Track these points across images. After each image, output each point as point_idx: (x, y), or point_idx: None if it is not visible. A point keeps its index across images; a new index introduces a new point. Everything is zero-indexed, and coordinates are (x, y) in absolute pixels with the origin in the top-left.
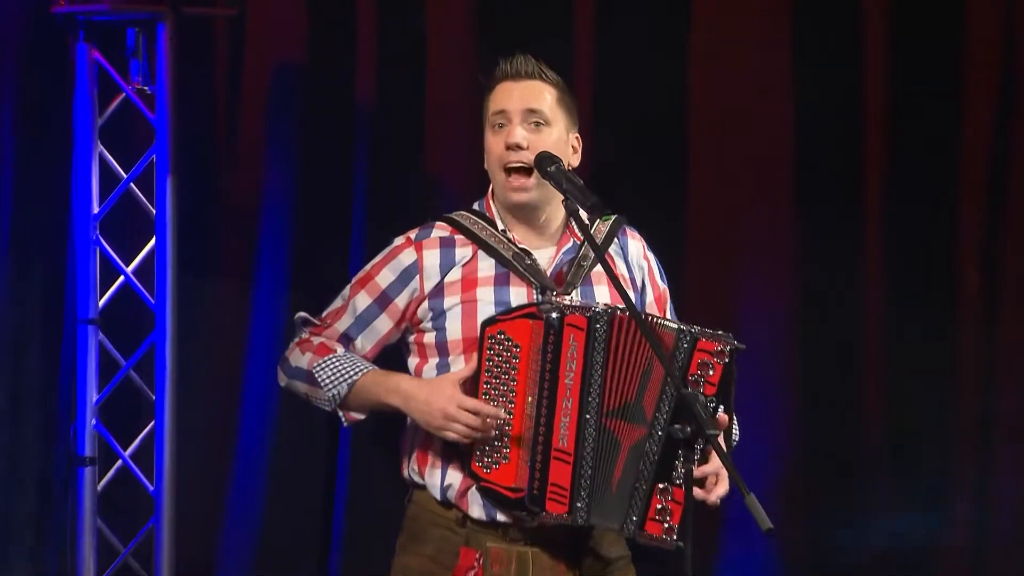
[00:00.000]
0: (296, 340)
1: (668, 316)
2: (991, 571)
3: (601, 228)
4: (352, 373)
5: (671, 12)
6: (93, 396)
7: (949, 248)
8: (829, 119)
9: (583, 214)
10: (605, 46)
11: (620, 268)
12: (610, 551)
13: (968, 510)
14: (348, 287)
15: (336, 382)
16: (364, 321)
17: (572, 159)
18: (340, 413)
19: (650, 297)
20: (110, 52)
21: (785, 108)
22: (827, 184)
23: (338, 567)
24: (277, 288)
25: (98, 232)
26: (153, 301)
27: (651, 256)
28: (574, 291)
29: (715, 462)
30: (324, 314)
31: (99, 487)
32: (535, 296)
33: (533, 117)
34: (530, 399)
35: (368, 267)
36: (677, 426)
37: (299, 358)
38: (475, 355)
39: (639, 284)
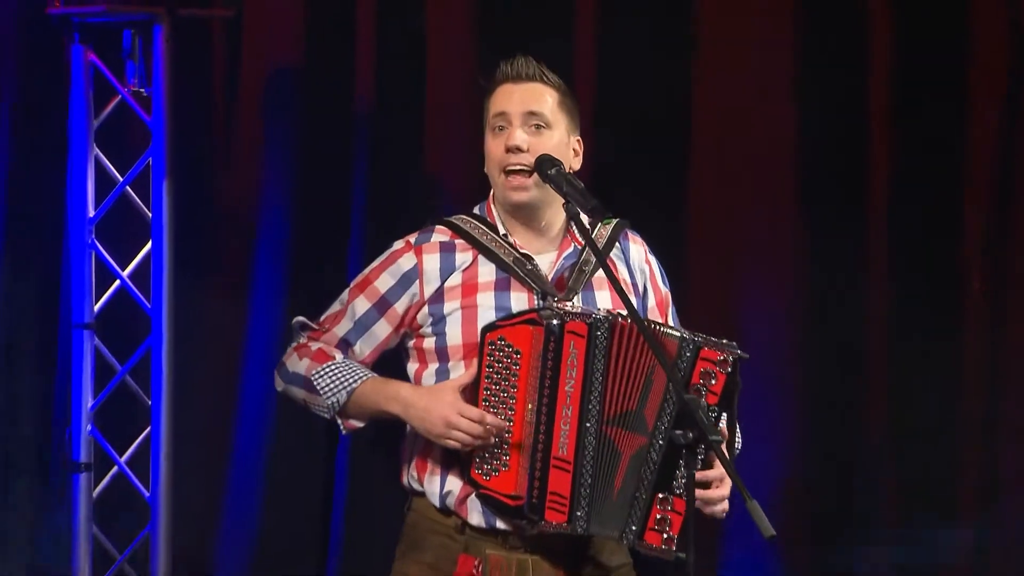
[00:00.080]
0: (294, 345)
1: (670, 320)
2: (994, 573)
3: (603, 232)
4: (351, 381)
5: (672, 12)
6: (88, 401)
7: (953, 249)
8: (832, 119)
9: (584, 218)
10: (606, 46)
11: (622, 273)
12: (611, 559)
13: (972, 512)
14: (347, 291)
15: (335, 390)
16: (363, 326)
17: (573, 162)
18: (339, 421)
19: (652, 301)
20: (106, 54)
21: (788, 108)
22: (830, 185)
23: (336, 574)
24: (275, 292)
25: (94, 235)
26: (149, 305)
27: (653, 260)
28: (575, 297)
29: (717, 468)
30: (322, 318)
31: (94, 493)
32: (536, 302)
33: (534, 120)
34: (530, 406)
35: (367, 271)
36: (679, 432)
37: (297, 364)
38: (475, 361)
39: (641, 288)
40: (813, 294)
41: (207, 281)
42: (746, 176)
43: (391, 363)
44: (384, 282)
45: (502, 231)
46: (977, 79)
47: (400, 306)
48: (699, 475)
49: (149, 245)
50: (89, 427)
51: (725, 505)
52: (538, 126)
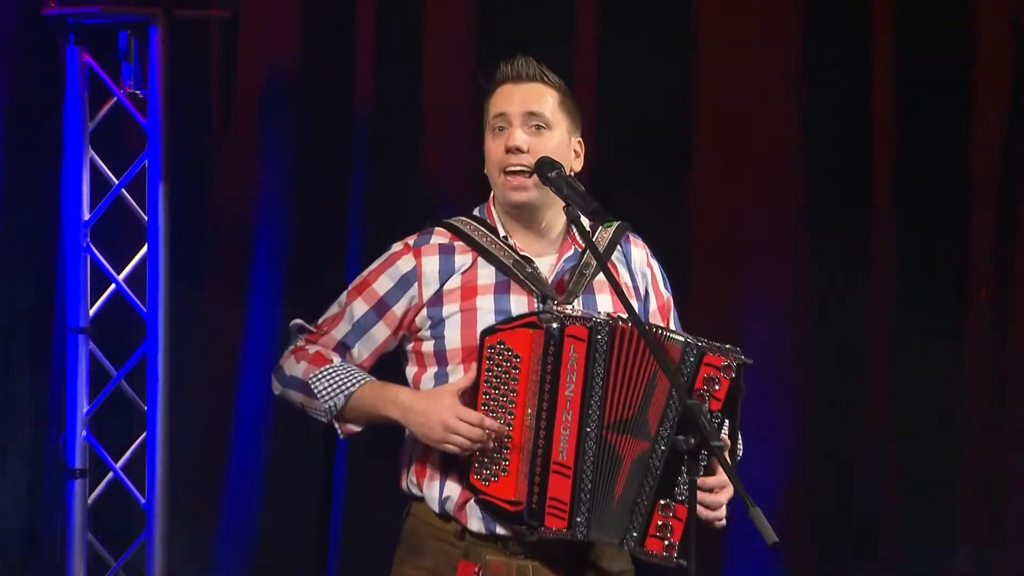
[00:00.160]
0: (291, 348)
1: (672, 325)
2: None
3: (604, 235)
4: (349, 384)
5: (673, 12)
6: (83, 406)
7: (956, 250)
8: (835, 120)
9: (585, 221)
10: (607, 45)
11: (623, 276)
12: (612, 565)
13: (976, 518)
14: (345, 293)
15: (332, 394)
16: (361, 328)
17: (574, 164)
18: (336, 425)
19: (654, 305)
20: (101, 55)
21: (789, 108)
22: (832, 185)
23: None
24: (272, 296)
25: (89, 239)
26: (145, 309)
27: (655, 263)
28: (576, 300)
29: (719, 475)
30: (320, 321)
31: (89, 500)
32: (536, 305)
33: (534, 120)
34: (530, 411)
35: (365, 273)
36: (681, 437)
37: (294, 367)
38: (474, 365)
39: (642, 292)
40: (815, 295)
41: (204, 285)
42: (748, 176)
43: (390, 367)
44: (383, 284)
45: (502, 233)
46: (980, 79)
47: (399, 309)
48: (700, 481)
49: (145, 248)
50: (84, 433)
51: (723, 513)
52: (538, 127)
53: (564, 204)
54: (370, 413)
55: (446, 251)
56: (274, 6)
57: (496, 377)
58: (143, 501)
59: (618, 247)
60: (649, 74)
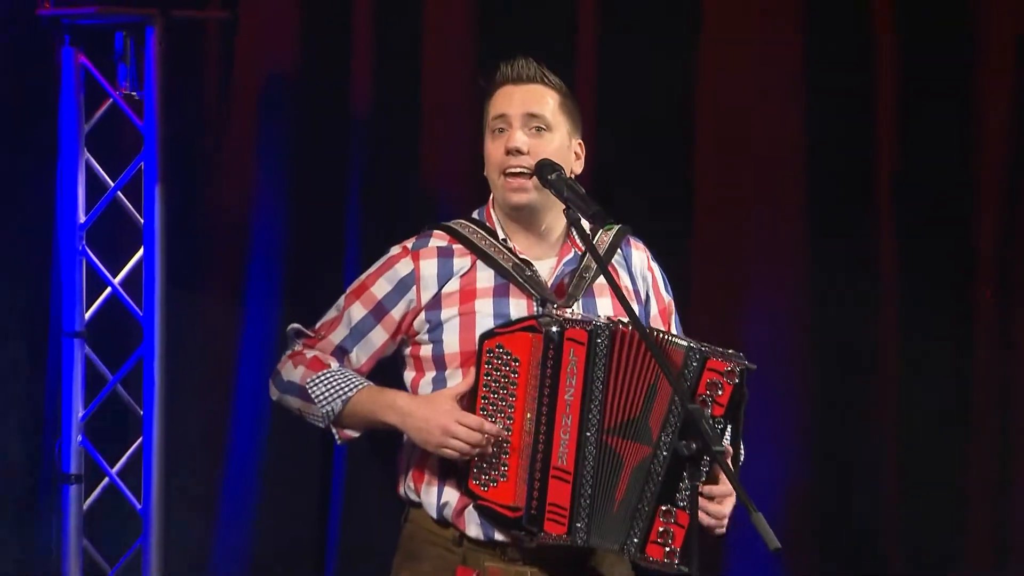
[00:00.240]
0: (288, 353)
1: (673, 329)
2: None
3: (604, 238)
4: (347, 389)
5: (674, 12)
6: (79, 411)
7: (961, 252)
8: (838, 121)
9: (585, 224)
10: (607, 45)
11: (624, 280)
12: (612, 571)
13: (985, 523)
14: (343, 297)
15: (330, 398)
16: (359, 333)
17: (575, 166)
18: (333, 430)
19: (654, 310)
20: (97, 56)
21: (792, 109)
22: (836, 187)
23: None
24: (269, 299)
25: (84, 242)
26: (141, 313)
27: (655, 267)
28: (575, 304)
29: (722, 482)
30: (318, 325)
31: (85, 505)
32: (535, 309)
33: (534, 122)
34: (529, 415)
35: (363, 277)
36: (682, 443)
37: (292, 372)
38: (473, 369)
39: (643, 296)
40: (817, 296)
41: (200, 288)
42: (749, 177)
43: (388, 372)
44: (381, 288)
45: (501, 236)
46: (982, 78)
47: (397, 312)
48: (703, 489)
49: (141, 252)
50: (79, 437)
51: (724, 523)
52: (539, 128)
53: (564, 207)
54: (368, 418)
55: (444, 254)
56: (272, 7)
57: (495, 381)
58: (139, 507)
59: (618, 250)
60: (650, 74)
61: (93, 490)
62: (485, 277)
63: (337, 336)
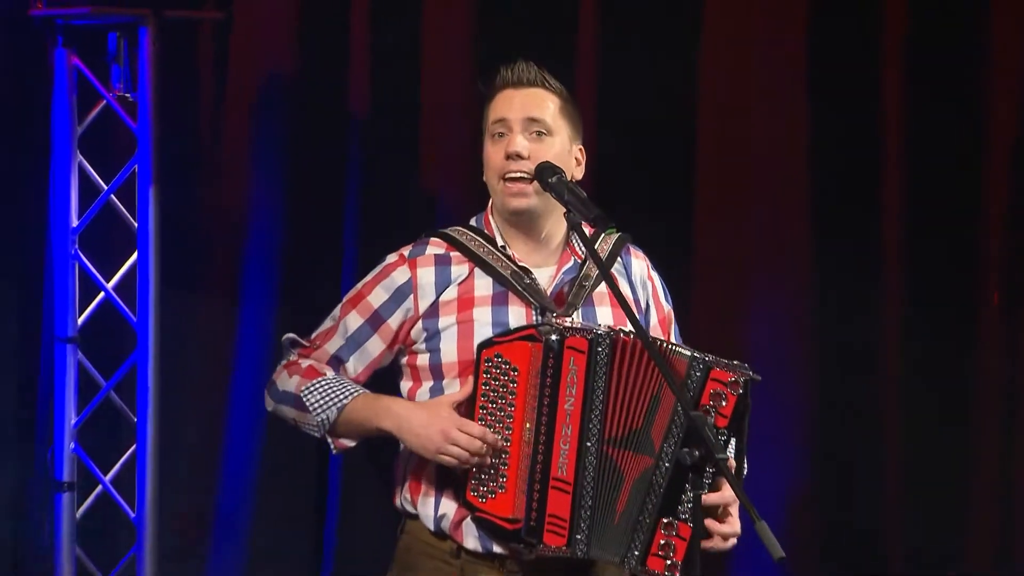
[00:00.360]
0: (284, 362)
1: (673, 338)
2: None
3: (603, 247)
4: (342, 397)
5: (677, 11)
6: (72, 418)
7: (969, 254)
8: (843, 121)
9: (586, 229)
10: (608, 45)
11: (624, 289)
12: None
13: (987, 523)
14: (338, 307)
15: (325, 406)
16: (355, 342)
17: (575, 172)
18: (329, 440)
19: (654, 319)
20: (90, 57)
21: (796, 110)
22: (841, 188)
23: None
24: (265, 304)
25: (77, 246)
26: (135, 318)
27: (656, 276)
28: (575, 312)
29: (725, 492)
30: (313, 335)
31: (78, 514)
32: (534, 317)
33: (535, 126)
34: (528, 425)
35: (359, 286)
36: (684, 450)
37: (287, 382)
38: (471, 379)
39: (643, 305)
40: (821, 297)
41: (195, 293)
42: (752, 178)
43: (385, 382)
44: (377, 297)
45: (500, 243)
46: (989, 78)
47: (394, 321)
48: (705, 499)
49: (135, 256)
50: (72, 445)
51: (731, 543)
52: (539, 133)
53: (565, 210)
54: (363, 426)
55: (442, 262)
56: (267, 6)
57: (493, 391)
58: (133, 515)
59: (618, 259)
60: (650, 74)
61: (86, 498)
62: (483, 285)
63: (332, 346)
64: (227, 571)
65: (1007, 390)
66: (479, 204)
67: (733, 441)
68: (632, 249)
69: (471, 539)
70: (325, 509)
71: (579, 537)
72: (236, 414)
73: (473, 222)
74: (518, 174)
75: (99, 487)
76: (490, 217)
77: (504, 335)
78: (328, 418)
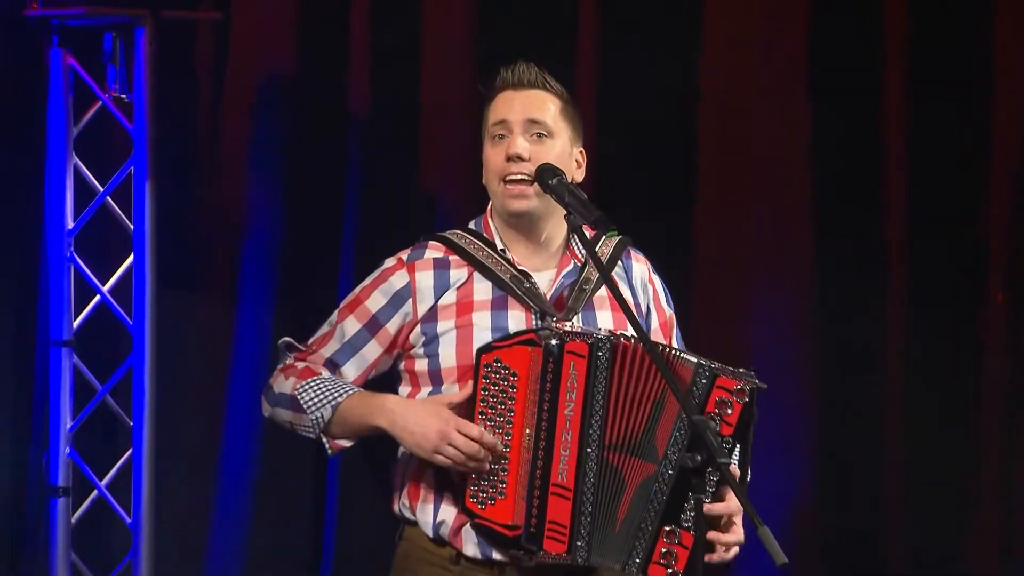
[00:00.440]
0: (280, 366)
1: (674, 342)
2: None
3: (603, 250)
4: (337, 395)
5: (677, 11)
6: (67, 422)
7: (973, 254)
8: (845, 121)
9: (587, 231)
10: (609, 45)
11: (624, 292)
12: None
13: (990, 531)
14: (336, 312)
15: (319, 404)
16: (352, 347)
17: (576, 174)
18: (324, 440)
19: (655, 323)
20: (86, 58)
21: (798, 109)
22: (843, 189)
23: None
24: (263, 308)
25: (73, 248)
26: (131, 321)
27: (656, 279)
28: (575, 317)
29: (730, 503)
30: (310, 340)
31: (73, 519)
32: (534, 322)
33: (535, 128)
34: (528, 431)
35: (357, 290)
36: (687, 455)
37: (283, 384)
38: (470, 383)
39: (644, 309)
40: (823, 298)
41: (192, 296)
42: (753, 178)
43: (383, 386)
44: (375, 301)
45: (499, 246)
46: (993, 77)
47: (392, 326)
48: (709, 508)
49: (131, 258)
50: (68, 449)
51: (734, 552)
52: (540, 135)
53: (565, 213)
54: (358, 424)
55: (441, 265)
56: (266, 6)
57: (493, 396)
58: (129, 520)
59: (619, 262)
60: (651, 74)
61: (82, 503)
62: (482, 289)
63: (329, 350)
64: (225, 575)
65: (1008, 390)
66: (479, 205)
67: (737, 450)
68: (633, 252)
69: (470, 546)
70: (323, 513)
71: (579, 544)
72: (234, 418)
73: (472, 225)
74: (518, 176)
75: (95, 492)
76: (489, 220)
77: (503, 339)
78: (322, 416)
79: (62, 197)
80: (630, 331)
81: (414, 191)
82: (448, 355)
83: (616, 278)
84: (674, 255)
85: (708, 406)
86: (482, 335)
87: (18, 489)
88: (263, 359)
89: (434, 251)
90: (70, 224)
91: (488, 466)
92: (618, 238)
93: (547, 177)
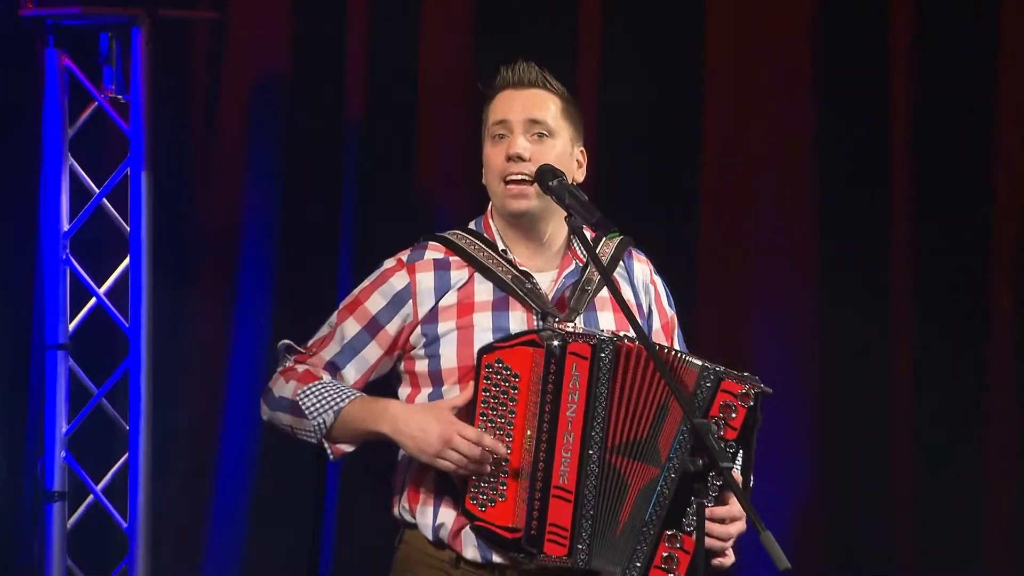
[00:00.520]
0: (280, 369)
1: (676, 344)
2: None
3: (605, 251)
4: (339, 400)
5: (680, 11)
6: (62, 426)
7: (978, 255)
8: (851, 121)
9: (588, 232)
10: (611, 44)
11: (626, 293)
12: None
13: (999, 532)
14: (335, 313)
15: (321, 410)
16: (352, 349)
17: (576, 174)
18: (326, 445)
19: (657, 324)
20: (82, 58)
21: (804, 108)
22: (850, 191)
23: None
24: (260, 310)
25: (68, 251)
26: (127, 324)
27: (658, 280)
28: (577, 317)
29: (732, 507)
30: (310, 342)
31: (69, 524)
32: (536, 322)
33: (536, 128)
34: (529, 433)
35: (356, 291)
36: (690, 458)
37: (283, 387)
38: (471, 384)
39: (646, 310)
40: (828, 298)
41: (188, 298)
42: (758, 177)
43: (384, 388)
44: (375, 303)
45: (500, 247)
46: (1001, 77)
47: (392, 328)
48: (710, 511)
49: (127, 261)
50: (63, 453)
51: (729, 546)
52: (540, 134)
53: (566, 214)
54: (360, 429)
55: (441, 266)
56: (263, 6)
57: (494, 397)
58: (125, 525)
59: (620, 263)
60: (654, 74)
61: (77, 508)
62: (483, 290)
63: (329, 352)
64: None
65: (1012, 389)
66: (478, 206)
67: (741, 454)
68: (635, 253)
69: (470, 548)
70: (322, 516)
71: (580, 547)
72: (230, 421)
73: (472, 225)
74: (519, 176)
75: (90, 496)
76: (490, 220)
77: (505, 340)
78: (324, 422)
79: (57, 199)
80: (632, 332)
81: (413, 191)
82: (449, 356)
83: (618, 279)
84: (676, 255)
85: (712, 410)
86: (483, 336)
87: (13, 493)
88: (261, 361)
89: (434, 252)
90: (66, 226)
91: (489, 468)
92: (620, 238)
93: (547, 179)
